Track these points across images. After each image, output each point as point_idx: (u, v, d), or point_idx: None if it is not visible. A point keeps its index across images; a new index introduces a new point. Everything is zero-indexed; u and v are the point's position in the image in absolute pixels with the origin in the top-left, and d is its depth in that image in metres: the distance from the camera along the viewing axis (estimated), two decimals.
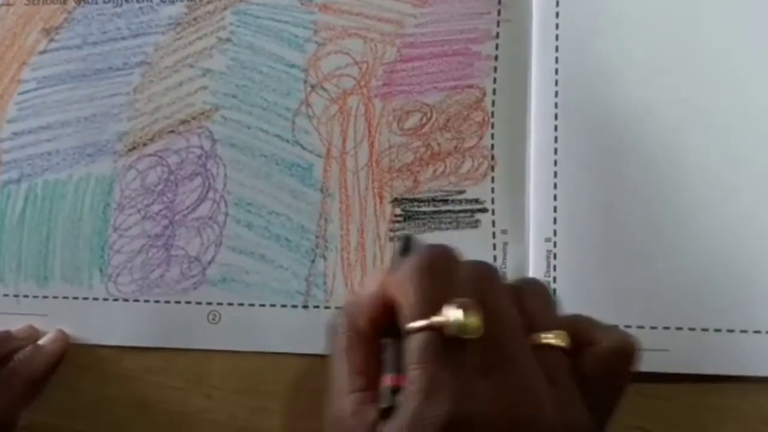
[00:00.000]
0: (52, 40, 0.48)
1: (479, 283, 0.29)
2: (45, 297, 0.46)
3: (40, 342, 0.44)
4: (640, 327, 0.40)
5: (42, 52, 0.48)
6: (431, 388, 0.26)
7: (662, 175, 0.41)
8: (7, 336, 0.44)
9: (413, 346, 0.27)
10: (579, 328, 0.30)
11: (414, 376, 0.27)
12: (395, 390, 0.28)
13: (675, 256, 0.41)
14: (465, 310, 0.27)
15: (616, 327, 0.31)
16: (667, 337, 0.40)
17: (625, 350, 0.30)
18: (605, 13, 0.43)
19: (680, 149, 0.41)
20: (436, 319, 0.27)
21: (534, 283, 0.32)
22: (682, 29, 0.42)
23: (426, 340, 0.27)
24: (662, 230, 0.41)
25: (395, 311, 0.29)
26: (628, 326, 0.40)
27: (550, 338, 0.29)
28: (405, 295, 0.28)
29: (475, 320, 0.27)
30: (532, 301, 0.30)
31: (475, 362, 0.27)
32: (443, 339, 0.27)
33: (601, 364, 0.29)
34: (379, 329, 0.30)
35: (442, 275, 0.29)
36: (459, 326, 0.27)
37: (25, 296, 0.46)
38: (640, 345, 0.30)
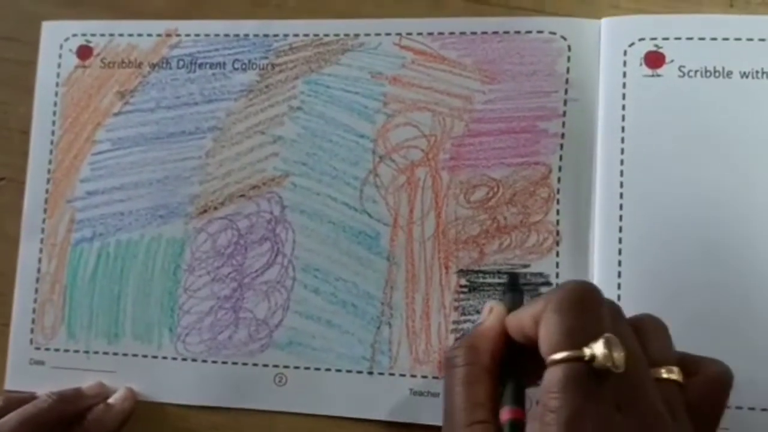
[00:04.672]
0: (126, 102, 0.49)
1: (615, 320, 0.30)
2: (115, 354, 0.47)
3: (110, 401, 0.46)
4: None
5: (116, 114, 0.49)
6: (575, 420, 0.27)
7: (728, 255, 0.42)
8: (79, 394, 0.46)
9: (557, 376, 0.27)
10: (687, 362, 0.31)
11: (555, 406, 0.27)
12: (516, 423, 0.29)
13: (740, 337, 0.41)
14: (613, 345, 0.27)
15: (714, 359, 0.32)
16: (727, 416, 0.41)
17: (725, 379, 0.31)
18: (672, 92, 0.44)
19: (746, 227, 0.42)
20: (585, 350, 0.27)
21: (653, 319, 0.32)
22: (750, 108, 0.43)
23: (572, 371, 0.27)
24: (727, 311, 0.42)
25: (517, 346, 0.31)
26: None
27: (670, 374, 0.30)
28: (548, 326, 0.29)
29: (621, 355, 0.27)
30: (654, 337, 0.31)
31: (612, 396, 0.28)
32: (589, 371, 0.27)
33: (706, 394, 0.31)
34: (499, 362, 0.32)
35: (590, 310, 0.29)
36: (608, 360, 0.27)
37: (95, 353, 0.48)
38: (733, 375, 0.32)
